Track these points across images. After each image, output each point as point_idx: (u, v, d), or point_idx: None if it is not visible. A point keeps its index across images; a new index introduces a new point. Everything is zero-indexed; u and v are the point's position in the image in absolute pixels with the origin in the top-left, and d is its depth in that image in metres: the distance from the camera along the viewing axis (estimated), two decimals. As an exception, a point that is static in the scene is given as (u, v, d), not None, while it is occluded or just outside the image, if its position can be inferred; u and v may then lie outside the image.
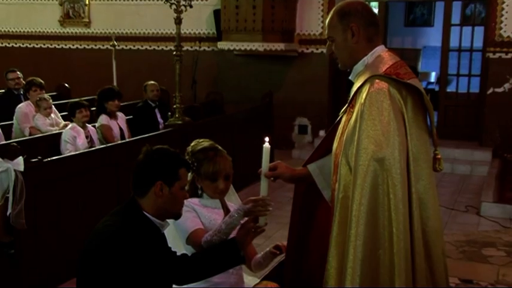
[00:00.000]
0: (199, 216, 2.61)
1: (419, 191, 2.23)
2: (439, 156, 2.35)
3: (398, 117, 2.20)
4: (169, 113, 6.42)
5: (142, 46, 9.74)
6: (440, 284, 2.28)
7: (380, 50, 2.38)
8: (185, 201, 2.46)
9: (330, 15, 2.40)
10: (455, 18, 8.75)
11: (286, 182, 2.73)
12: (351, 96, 2.37)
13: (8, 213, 3.87)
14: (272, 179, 2.59)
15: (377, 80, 2.23)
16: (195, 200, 2.65)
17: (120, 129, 6.09)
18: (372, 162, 2.14)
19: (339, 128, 2.42)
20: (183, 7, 6.05)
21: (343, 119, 2.40)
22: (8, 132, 6.08)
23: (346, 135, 2.29)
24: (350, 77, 2.44)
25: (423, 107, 2.30)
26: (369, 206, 2.13)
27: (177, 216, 2.38)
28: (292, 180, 2.69)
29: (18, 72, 7.13)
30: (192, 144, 2.72)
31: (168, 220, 2.38)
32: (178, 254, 2.46)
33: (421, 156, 2.25)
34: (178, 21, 6.05)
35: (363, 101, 2.22)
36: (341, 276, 2.19)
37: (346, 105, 2.41)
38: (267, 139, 2.44)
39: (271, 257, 2.73)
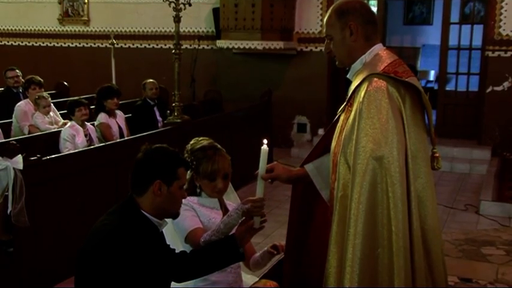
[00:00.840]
0: (198, 215, 2.61)
1: (418, 190, 2.24)
2: (437, 155, 2.36)
3: (397, 116, 2.20)
4: (168, 111, 6.42)
5: (141, 44, 9.74)
6: (439, 282, 2.28)
7: (378, 48, 2.38)
8: (185, 200, 2.46)
9: (328, 14, 2.40)
10: (454, 16, 8.75)
11: (283, 183, 2.72)
12: (349, 94, 2.37)
13: (8, 212, 3.87)
14: (269, 181, 2.59)
15: (375, 79, 2.24)
16: (193, 199, 2.64)
17: (119, 127, 6.09)
18: (370, 160, 2.15)
19: (337, 127, 2.42)
20: (182, 5, 6.04)
21: (341, 117, 2.40)
22: (7, 130, 6.08)
23: (345, 133, 2.29)
24: (348, 76, 2.44)
25: (421, 105, 2.30)
26: (368, 205, 2.14)
27: (175, 215, 2.38)
28: (289, 181, 2.68)
29: (17, 71, 7.13)
30: (191, 142, 2.71)
31: (166, 219, 2.38)
32: (176, 251, 2.46)
33: (420, 154, 2.26)
34: (177, 20, 6.04)
35: (361, 99, 2.22)
36: (341, 275, 2.19)
37: (344, 103, 2.41)
38: (265, 141, 2.44)
39: (269, 256, 2.73)
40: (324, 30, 2.43)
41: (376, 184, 2.14)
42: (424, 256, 2.23)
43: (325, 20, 2.41)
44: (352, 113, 2.27)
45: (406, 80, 2.26)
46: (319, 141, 2.68)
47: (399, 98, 2.24)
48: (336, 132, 2.42)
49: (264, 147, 2.45)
